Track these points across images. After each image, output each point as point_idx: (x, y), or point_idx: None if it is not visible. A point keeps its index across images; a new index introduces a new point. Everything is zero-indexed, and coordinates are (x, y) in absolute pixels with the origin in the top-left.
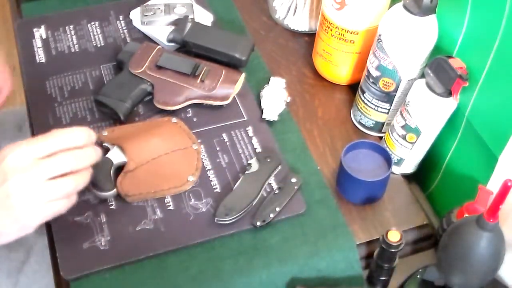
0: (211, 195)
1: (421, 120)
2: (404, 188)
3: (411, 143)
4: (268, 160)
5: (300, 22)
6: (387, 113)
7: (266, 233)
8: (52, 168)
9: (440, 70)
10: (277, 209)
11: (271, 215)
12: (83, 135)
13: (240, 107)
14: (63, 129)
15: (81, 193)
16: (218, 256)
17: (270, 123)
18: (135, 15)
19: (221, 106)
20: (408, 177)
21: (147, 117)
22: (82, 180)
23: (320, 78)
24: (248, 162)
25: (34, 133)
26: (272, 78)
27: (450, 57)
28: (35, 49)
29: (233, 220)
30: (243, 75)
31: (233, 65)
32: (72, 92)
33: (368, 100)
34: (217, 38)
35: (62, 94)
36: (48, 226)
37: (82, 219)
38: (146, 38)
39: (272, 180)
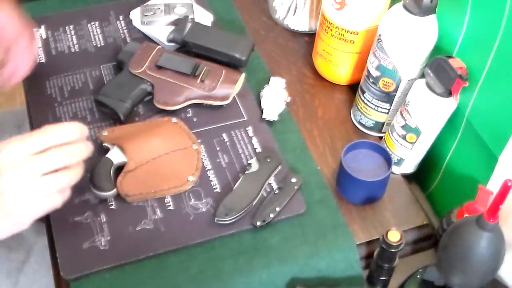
0: (211, 195)
1: (421, 120)
2: (404, 188)
3: (411, 143)
4: (268, 160)
5: (300, 22)
6: (387, 113)
7: (266, 233)
8: (45, 164)
9: (440, 70)
10: (277, 209)
11: (271, 215)
12: (75, 130)
13: (240, 107)
14: (55, 125)
15: (81, 193)
16: (218, 256)
17: (270, 123)
18: (135, 15)
19: (221, 106)
20: (408, 177)
21: (147, 117)
22: (75, 175)
23: (320, 78)
24: (248, 162)
25: None
26: (272, 78)
27: (450, 57)
28: None
29: (233, 220)
30: (243, 75)
31: (233, 65)
32: (72, 92)
33: (368, 100)
34: (217, 38)
35: (62, 94)
36: (48, 226)
37: (82, 219)
38: (146, 38)
39: (272, 180)
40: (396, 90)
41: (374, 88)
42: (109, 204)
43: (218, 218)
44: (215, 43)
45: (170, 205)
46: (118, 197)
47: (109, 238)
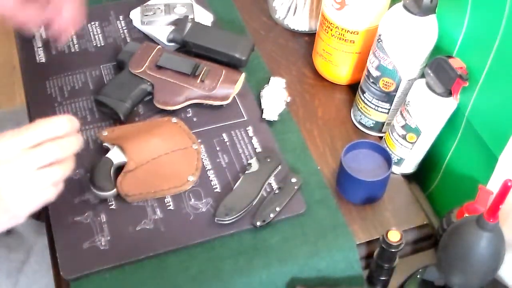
0: (211, 195)
1: (421, 120)
2: (404, 188)
3: (411, 143)
4: (268, 160)
5: (300, 22)
6: (387, 113)
7: (266, 233)
8: (39, 158)
9: (440, 70)
10: (277, 209)
11: (271, 215)
12: (67, 123)
13: (240, 107)
14: (46, 119)
15: (81, 193)
16: (218, 256)
17: (270, 123)
18: (135, 15)
19: (221, 106)
20: (408, 177)
21: (147, 117)
22: (68, 168)
23: (320, 78)
24: (248, 162)
25: None
26: (272, 78)
27: (450, 57)
28: (35, 49)
29: (233, 220)
30: (243, 75)
31: (233, 65)
32: (72, 92)
33: (368, 100)
34: (217, 38)
35: (62, 94)
36: (48, 226)
37: (82, 219)
38: (146, 38)
39: (272, 180)
40: (396, 90)
41: (374, 88)
42: (109, 204)
43: (218, 218)
44: (215, 43)
45: (170, 205)
46: (118, 197)
47: (109, 238)
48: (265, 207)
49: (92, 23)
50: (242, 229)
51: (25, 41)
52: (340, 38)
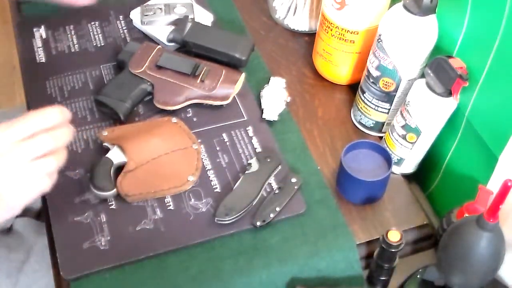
0: (211, 195)
1: (421, 120)
2: (404, 188)
3: (411, 143)
4: (268, 160)
5: (300, 22)
6: (387, 113)
7: (266, 233)
8: (33, 150)
9: (440, 70)
10: (277, 209)
11: (271, 215)
12: (58, 114)
13: (240, 107)
14: (37, 111)
15: (81, 193)
16: (218, 256)
17: (270, 123)
18: (135, 15)
19: (221, 106)
20: (408, 177)
21: (147, 117)
22: (61, 158)
23: (320, 78)
24: (248, 162)
25: None
26: (272, 78)
27: (450, 57)
28: (35, 49)
29: (233, 220)
30: (243, 75)
31: (233, 65)
32: (72, 92)
33: (368, 100)
34: (217, 38)
35: (62, 94)
36: (48, 226)
37: (82, 219)
38: (146, 38)
39: (272, 180)
40: (396, 90)
41: (374, 88)
42: (109, 204)
43: (218, 218)
44: (215, 43)
45: (170, 205)
46: (118, 197)
47: (109, 238)
48: (265, 207)
49: (92, 23)
50: (242, 229)
51: (25, 41)
52: (340, 38)
